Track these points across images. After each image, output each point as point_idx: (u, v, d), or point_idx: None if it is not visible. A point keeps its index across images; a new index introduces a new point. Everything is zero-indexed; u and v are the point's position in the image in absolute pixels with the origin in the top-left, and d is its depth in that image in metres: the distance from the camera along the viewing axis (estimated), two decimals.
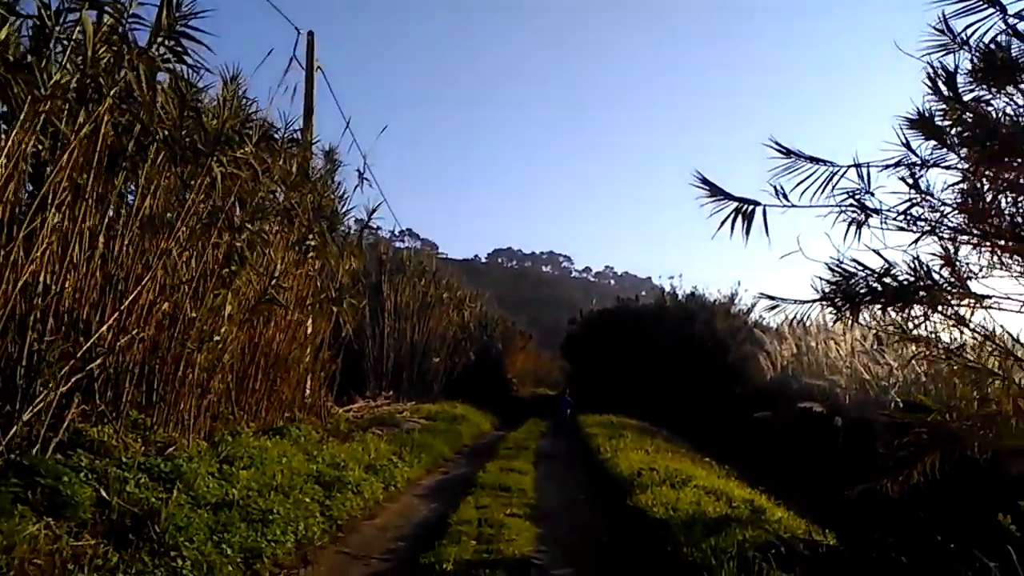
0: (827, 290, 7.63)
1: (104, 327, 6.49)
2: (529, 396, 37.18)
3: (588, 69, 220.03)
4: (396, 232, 28.66)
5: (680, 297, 32.93)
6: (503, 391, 34.09)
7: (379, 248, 29.99)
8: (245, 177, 8.16)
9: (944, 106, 6.40)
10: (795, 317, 8.02)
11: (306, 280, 11.73)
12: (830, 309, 7.56)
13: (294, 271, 11.12)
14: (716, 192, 6.88)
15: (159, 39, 6.50)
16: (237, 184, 8.11)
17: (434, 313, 27.12)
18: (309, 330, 12.34)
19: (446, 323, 27.81)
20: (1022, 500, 8.12)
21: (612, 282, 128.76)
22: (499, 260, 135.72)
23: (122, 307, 6.74)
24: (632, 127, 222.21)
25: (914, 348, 8.65)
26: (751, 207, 6.78)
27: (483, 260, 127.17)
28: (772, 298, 8.07)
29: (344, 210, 12.26)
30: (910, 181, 6.24)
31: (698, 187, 6.93)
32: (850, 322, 18.88)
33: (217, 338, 8.31)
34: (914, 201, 6.24)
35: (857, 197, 6.43)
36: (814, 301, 7.68)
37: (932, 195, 6.24)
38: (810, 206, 6.59)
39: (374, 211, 13.40)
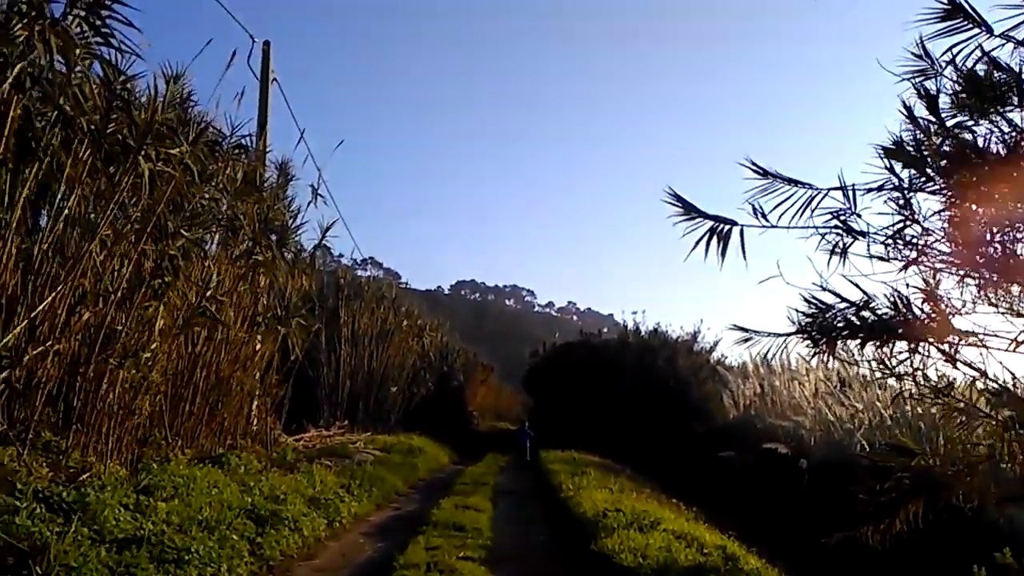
0: (803, 323, 7.22)
1: (9, 336, 5.74)
2: (489, 430, 36.38)
3: (556, 89, 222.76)
4: (358, 260, 27.96)
5: (643, 333, 32.61)
6: (463, 424, 33.25)
7: (337, 273, 29.24)
8: (180, 179, 7.48)
9: (920, 135, 6.06)
10: (768, 351, 7.59)
11: (252, 297, 10.99)
12: (806, 343, 7.13)
13: (238, 286, 10.40)
14: (689, 210, 6.41)
15: (75, 11, 5.84)
16: (171, 186, 7.42)
17: (393, 341, 26.33)
18: (256, 351, 11.57)
19: (405, 352, 27.01)
20: (999, 552, 7.71)
21: (575, 318, 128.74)
22: (462, 292, 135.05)
23: (33, 315, 6.00)
24: (601, 162, 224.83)
25: (898, 386, 8.24)
26: (727, 227, 6.32)
27: (446, 291, 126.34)
28: (745, 330, 7.62)
29: (295, 225, 11.55)
30: (900, 202, 5.87)
31: (671, 204, 6.47)
32: (815, 361, 18.47)
33: (146, 354, 7.55)
34: (905, 223, 5.85)
35: (842, 218, 6.02)
36: (789, 334, 7.24)
37: (923, 218, 5.87)
38: (791, 227, 6.16)
39: (328, 228, 12.72)
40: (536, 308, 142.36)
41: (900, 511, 6.93)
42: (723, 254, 6.22)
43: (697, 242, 6.25)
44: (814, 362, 19.42)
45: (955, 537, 9.22)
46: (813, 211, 6.21)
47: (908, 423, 14.76)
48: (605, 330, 40.59)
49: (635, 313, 41.49)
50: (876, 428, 15.13)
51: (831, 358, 7.41)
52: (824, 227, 5.87)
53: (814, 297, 7.48)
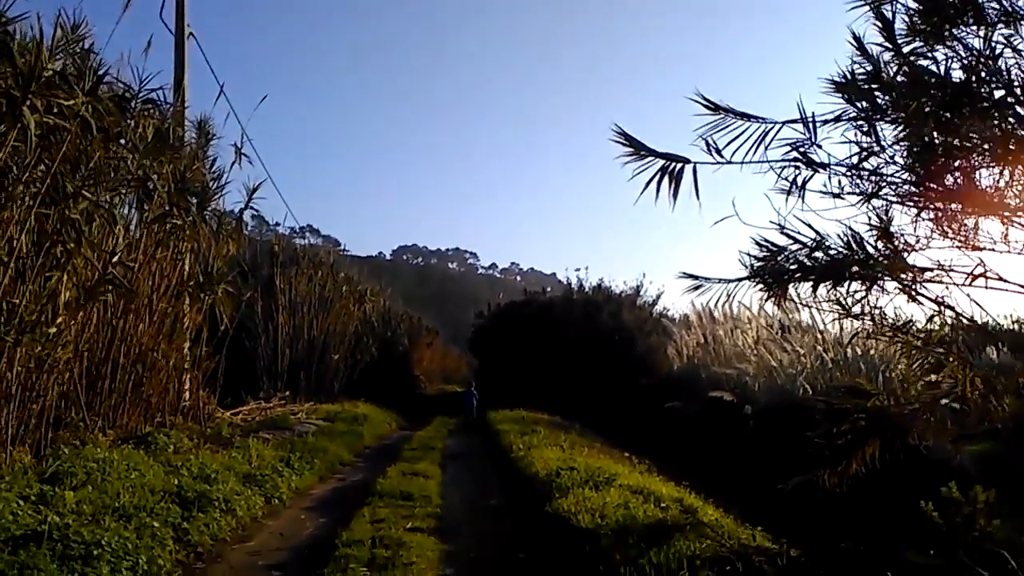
0: (755, 267, 6.93)
1: None
2: (437, 393, 36.06)
3: (492, 53, 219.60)
4: (296, 229, 26.88)
5: (587, 289, 32.57)
6: (409, 389, 32.81)
7: (272, 240, 28.14)
8: (76, 133, 6.68)
9: (870, 68, 5.76)
10: (719, 298, 7.31)
11: (173, 265, 10.21)
12: (758, 287, 6.86)
13: (156, 253, 9.61)
14: (638, 149, 5.98)
15: None
16: (66, 141, 6.63)
17: (333, 308, 25.54)
18: (181, 322, 10.81)
19: (346, 319, 26.26)
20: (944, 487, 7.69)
21: (519, 278, 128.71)
22: (404, 257, 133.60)
23: None
24: (539, 115, 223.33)
25: (852, 326, 8.06)
26: (679, 165, 5.92)
27: (388, 257, 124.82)
28: (695, 277, 7.30)
29: (217, 186, 10.73)
30: (864, 128, 5.56)
31: (619, 143, 6.04)
32: (756, 308, 18.38)
33: (50, 329, 6.82)
34: (869, 150, 5.55)
35: (802, 149, 5.68)
36: (741, 279, 6.94)
37: (887, 144, 5.58)
38: (747, 162, 5.80)
39: (255, 190, 11.91)
40: (479, 270, 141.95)
41: (856, 453, 6.80)
42: (675, 194, 5.83)
43: (648, 183, 5.84)
44: (755, 309, 19.71)
45: (906, 477, 9.28)
46: (768, 146, 5.85)
47: (848, 366, 14.98)
48: (549, 289, 40.47)
49: (578, 270, 41.57)
50: (818, 372, 15.31)
51: (783, 301, 7.17)
52: (783, 160, 5.52)
53: (766, 240, 7.19)
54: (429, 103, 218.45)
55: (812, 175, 5.54)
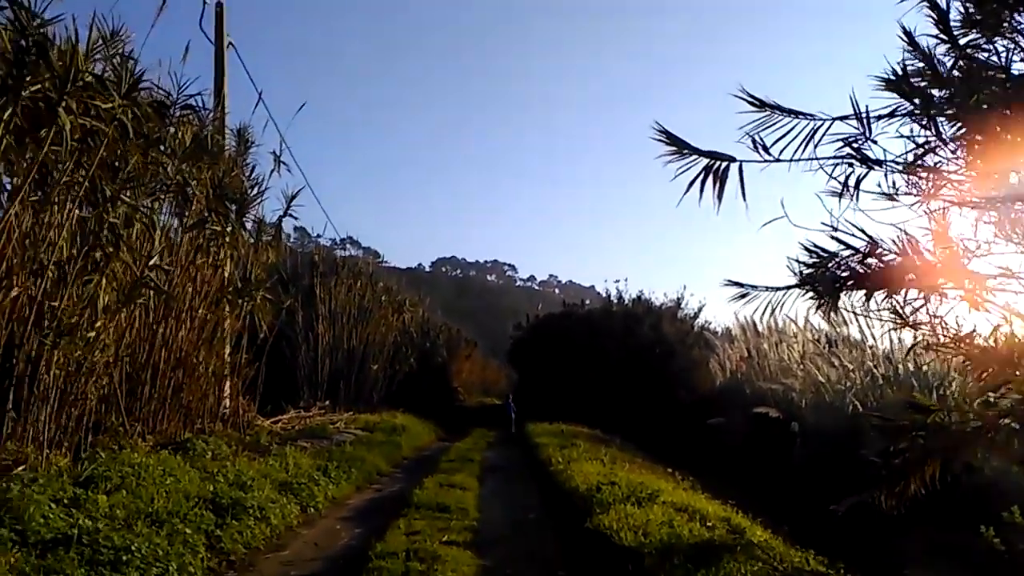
0: (805, 274, 6.64)
1: None
2: (476, 405, 35.94)
3: (535, 67, 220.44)
4: (337, 240, 27.01)
5: (627, 301, 32.16)
6: (448, 400, 32.73)
7: (313, 251, 28.37)
8: (112, 137, 6.69)
9: (923, 64, 5.46)
10: (766, 307, 7.02)
11: (212, 271, 10.23)
12: (808, 296, 6.57)
13: (195, 260, 9.64)
14: (681, 147, 5.75)
15: None
16: (103, 145, 6.64)
17: (372, 318, 25.60)
18: (220, 328, 10.84)
19: (385, 329, 26.30)
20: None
21: (557, 291, 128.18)
22: (443, 269, 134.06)
23: None
24: (579, 127, 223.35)
25: (912, 336, 7.68)
26: (724, 164, 5.69)
27: (427, 269, 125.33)
28: (740, 285, 7.03)
29: (255, 193, 10.74)
30: (924, 121, 5.25)
31: (660, 142, 5.83)
32: (802, 322, 17.79)
33: (89, 333, 6.83)
34: (927, 146, 5.24)
35: (855, 145, 5.39)
36: (789, 287, 6.67)
37: (948, 139, 5.26)
38: (797, 160, 5.54)
39: (294, 197, 11.92)
40: (518, 283, 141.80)
41: (916, 473, 6.43)
42: (719, 195, 5.60)
43: (691, 183, 5.62)
44: (801, 321, 19.16)
45: (964, 499, 8.82)
46: (817, 144, 5.60)
47: (900, 381, 14.41)
48: (587, 301, 40.15)
49: (618, 282, 40.91)
50: (868, 388, 14.75)
51: (834, 311, 6.87)
52: (835, 158, 5.24)
53: (816, 246, 6.90)
54: (469, 115, 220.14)
55: (866, 173, 5.26)
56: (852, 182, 5.44)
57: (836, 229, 5.45)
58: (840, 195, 5.71)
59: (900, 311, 6.14)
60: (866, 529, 9.09)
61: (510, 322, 42.26)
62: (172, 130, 9.02)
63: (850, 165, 5.23)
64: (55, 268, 6.72)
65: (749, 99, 5.63)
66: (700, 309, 31.35)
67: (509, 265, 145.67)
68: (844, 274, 6.78)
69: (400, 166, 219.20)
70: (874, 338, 15.68)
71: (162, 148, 8.59)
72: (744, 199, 5.52)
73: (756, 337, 21.74)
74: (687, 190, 5.63)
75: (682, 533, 5.69)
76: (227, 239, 10.32)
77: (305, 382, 23.18)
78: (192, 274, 9.87)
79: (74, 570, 3.97)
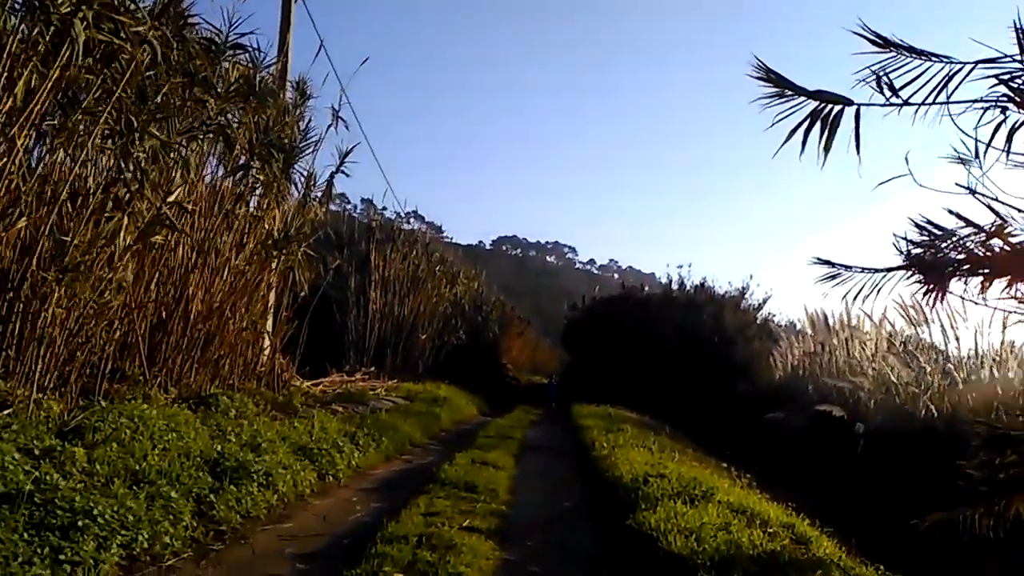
0: (913, 254, 5.67)
1: None
2: (524, 383, 35.44)
3: (608, 53, 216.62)
4: (402, 214, 26.55)
5: (688, 288, 31.06)
6: (496, 376, 32.26)
7: (371, 216, 28.02)
8: (140, 59, 6.09)
9: None
10: (861, 291, 6.10)
11: (254, 222, 9.68)
12: (913, 279, 5.60)
13: (235, 208, 9.09)
14: (784, 86, 4.81)
15: None
16: (130, 68, 6.04)
17: (425, 288, 25.10)
18: (257, 281, 10.31)
19: (436, 299, 25.79)
20: None
21: (616, 275, 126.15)
22: (504, 247, 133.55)
23: None
24: (648, 113, 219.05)
25: None
26: (836, 108, 4.75)
27: (488, 247, 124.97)
28: (832, 264, 6.12)
29: (305, 143, 10.11)
30: None
31: (759, 80, 4.90)
32: (883, 317, 16.43)
33: (105, 273, 6.29)
34: None
35: (1016, 81, 4.33)
36: (891, 269, 5.71)
37: None
38: (932, 103, 4.54)
39: (348, 153, 11.30)
40: (577, 265, 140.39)
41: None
42: (827, 146, 4.65)
43: (793, 131, 4.69)
44: (877, 318, 17.84)
45: None
46: (951, 93, 4.58)
47: (982, 387, 13.16)
48: (646, 288, 39.06)
49: (680, 267, 39.69)
50: (944, 392, 13.53)
51: (943, 298, 5.85)
52: (983, 100, 4.21)
53: (929, 222, 5.88)
54: (539, 94, 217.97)
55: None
56: (1002, 136, 4.39)
57: (974, 193, 4.46)
58: (989, 142, 4.65)
59: None
60: (940, 547, 8.10)
61: (566, 303, 41.43)
62: (219, 68, 8.44)
63: (1003, 110, 4.19)
64: (70, 201, 6.21)
65: (871, 37, 4.64)
66: (765, 300, 30.17)
67: (569, 247, 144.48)
68: (960, 256, 5.77)
69: (468, 142, 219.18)
70: (957, 340, 14.46)
71: (200, 80, 8.00)
72: (858, 150, 4.57)
73: (826, 331, 20.52)
74: (787, 139, 4.71)
75: (741, 541, 4.84)
76: (273, 190, 9.74)
77: (352, 347, 22.90)
78: (231, 223, 9.33)
79: (10, 536, 3.35)
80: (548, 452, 12.30)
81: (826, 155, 4.75)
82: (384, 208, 27.24)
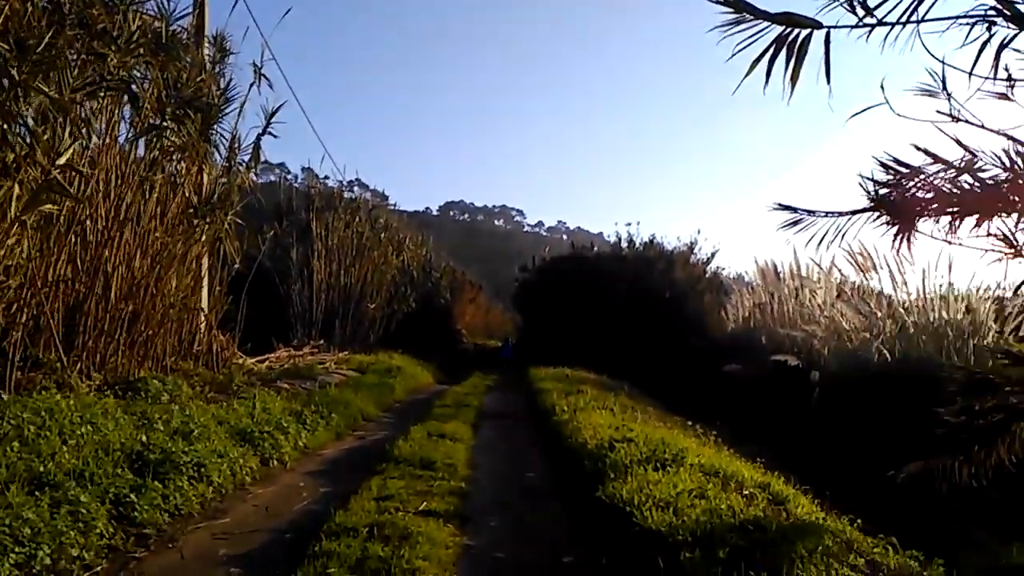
0: (880, 194, 5.34)
1: None
2: (479, 349, 35.08)
3: (544, 14, 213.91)
4: (344, 183, 25.49)
5: (637, 245, 30.90)
6: (450, 343, 31.81)
7: (309, 185, 26.99)
8: (16, 4, 5.27)
9: None
10: (825, 236, 5.78)
11: (171, 190, 8.88)
12: (880, 221, 5.29)
13: (151, 174, 8.29)
14: (746, 10, 4.35)
15: None
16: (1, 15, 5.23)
17: (370, 256, 24.33)
18: (180, 254, 9.53)
19: (383, 267, 25.05)
20: None
21: (565, 237, 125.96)
22: (451, 213, 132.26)
23: None
24: (588, 74, 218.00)
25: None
26: (804, 32, 4.30)
27: (435, 213, 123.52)
28: (794, 210, 5.77)
29: (225, 104, 9.27)
30: None
31: (717, 3, 4.42)
32: (831, 265, 16.38)
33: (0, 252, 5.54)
34: None
35: None
36: (857, 211, 5.39)
37: None
38: (909, 21, 4.13)
39: (274, 113, 10.47)
40: (526, 228, 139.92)
41: (1005, 439, 5.25)
42: (795, 75, 4.20)
43: (757, 59, 4.22)
44: (826, 266, 17.87)
45: None
46: (928, 10, 4.18)
47: (935, 330, 13.26)
48: (596, 248, 38.89)
49: (629, 225, 39.53)
50: (896, 338, 13.61)
51: (911, 238, 5.54)
52: (967, 16, 3.80)
53: (896, 160, 5.53)
54: (477, 56, 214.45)
55: (1014, 36, 3.82)
56: (986, 59, 4.00)
57: (956, 120, 4.09)
58: (975, 59, 4.25)
59: (1011, 237, 4.82)
60: (911, 495, 7.97)
61: (517, 266, 41.07)
62: (120, 19, 7.57)
63: (990, 26, 3.78)
64: None
65: None
66: (713, 254, 30.31)
67: (517, 210, 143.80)
68: (928, 195, 5.44)
69: (409, 109, 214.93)
70: (905, 285, 14.56)
71: (105, 39, 7.14)
72: (828, 78, 4.12)
73: (776, 282, 20.58)
74: (750, 69, 4.22)
75: (720, 508, 4.47)
76: (190, 153, 8.93)
77: (298, 320, 22.14)
78: (147, 190, 8.53)
79: None
80: (507, 419, 11.91)
81: (793, 86, 4.30)
82: (327, 177, 26.28)
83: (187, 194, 9.18)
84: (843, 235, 5.88)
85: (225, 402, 8.34)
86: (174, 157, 8.77)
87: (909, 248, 5.68)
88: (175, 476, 5.06)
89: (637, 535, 4.06)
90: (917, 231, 5.58)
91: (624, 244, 31.19)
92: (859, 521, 5.67)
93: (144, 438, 5.53)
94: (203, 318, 11.08)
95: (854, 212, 5.72)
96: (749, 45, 4.25)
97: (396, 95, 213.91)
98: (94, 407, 5.75)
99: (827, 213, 5.99)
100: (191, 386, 9.02)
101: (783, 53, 4.22)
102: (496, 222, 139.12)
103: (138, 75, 7.65)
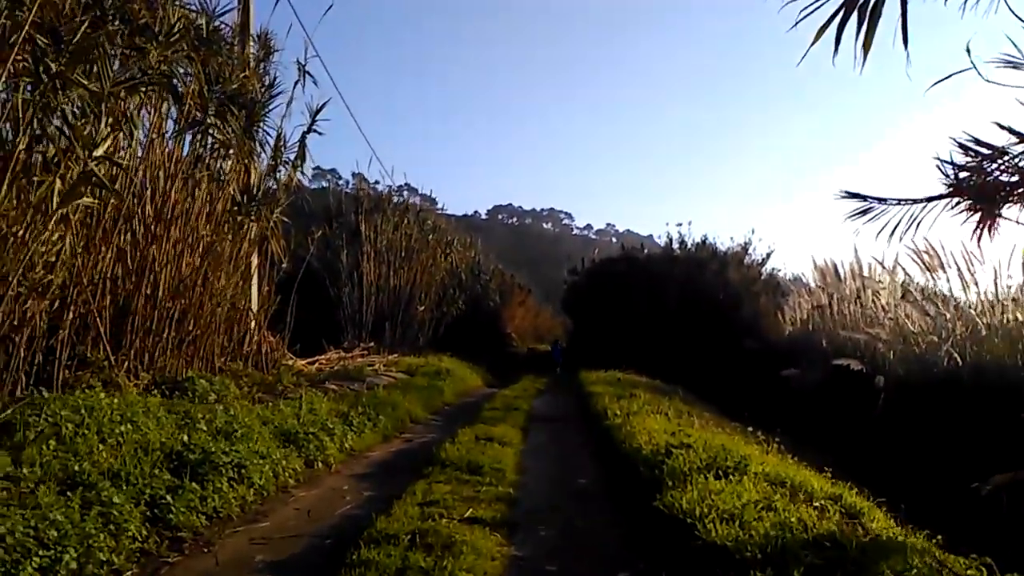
0: (959, 178, 4.95)
1: None
2: (528, 352, 34.82)
3: (594, 21, 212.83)
4: (395, 187, 25.53)
5: (689, 246, 30.23)
6: (499, 346, 31.63)
7: (358, 188, 27.10)
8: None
9: None
10: (897, 226, 5.40)
11: (216, 187, 8.82)
12: (961, 207, 4.88)
13: (194, 171, 8.23)
14: None
15: None
16: (35, 2, 5.15)
17: (419, 258, 24.29)
18: (230, 254, 9.48)
19: (432, 269, 24.98)
20: None
21: (614, 239, 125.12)
22: (499, 217, 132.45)
23: None
24: (637, 79, 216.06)
25: None
26: None
27: (483, 216, 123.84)
28: (864, 198, 5.40)
29: (270, 101, 9.21)
30: None
31: None
32: (895, 264, 15.58)
33: (38, 247, 5.48)
34: None
35: None
36: (933, 199, 4.98)
37: None
38: None
39: (319, 109, 10.41)
40: (575, 231, 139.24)
41: None
42: (867, 43, 3.82)
43: (824, 25, 3.87)
44: (891, 266, 17.07)
45: None
46: None
47: (1010, 333, 12.48)
48: (645, 251, 38.27)
49: (680, 225, 38.73)
50: (968, 339, 12.83)
51: (994, 226, 5.12)
52: None
53: (976, 141, 5.12)
54: (526, 58, 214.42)
55: None
56: None
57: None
58: None
59: None
60: (995, 509, 7.40)
61: (566, 269, 40.71)
62: (162, 15, 7.53)
63: None
64: None
65: None
66: (769, 254, 29.46)
67: (566, 213, 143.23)
68: (1013, 178, 5.02)
69: (457, 114, 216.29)
70: (976, 285, 13.77)
71: (146, 34, 7.10)
72: (906, 44, 3.74)
73: (837, 282, 19.79)
74: (817, 37, 3.89)
75: (790, 521, 4.09)
76: (236, 151, 8.87)
77: (349, 322, 22.19)
78: (193, 188, 8.49)
79: None
80: (557, 423, 11.60)
81: (866, 54, 3.92)
82: (376, 182, 26.30)
83: (233, 192, 9.11)
84: (917, 224, 5.45)
85: (271, 403, 8.24)
86: (219, 154, 8.70)
87: (991, 236, 5.22)
88: (214, 477, 4.90)
89: (700, 550, 3.72)
90: (1001, 217, 5.12)
91: (675, 245, 30.59)
92: (938, 537, 5.21)
93: (185, 438, 5.40)
94: (252, 318, 11.05)
95: (930, 199, 5.28)
96: (816, 9, 3.91)
97: (444, 99, 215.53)
98: (135, 406, 5.64)
99: (900, 201, 5.55)
100: (239, 387, 8.95)
101: (853, 17, 3.86)
102: (544, 225, 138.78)
103: (180, 71, 7.58)
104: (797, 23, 3.86)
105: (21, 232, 5.44)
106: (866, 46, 3.86)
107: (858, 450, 11.64)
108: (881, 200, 5.72)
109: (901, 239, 5.85)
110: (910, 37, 3.71)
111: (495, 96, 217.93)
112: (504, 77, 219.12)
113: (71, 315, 6.58)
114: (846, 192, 5.94)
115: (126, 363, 7.74)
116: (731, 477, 5.14)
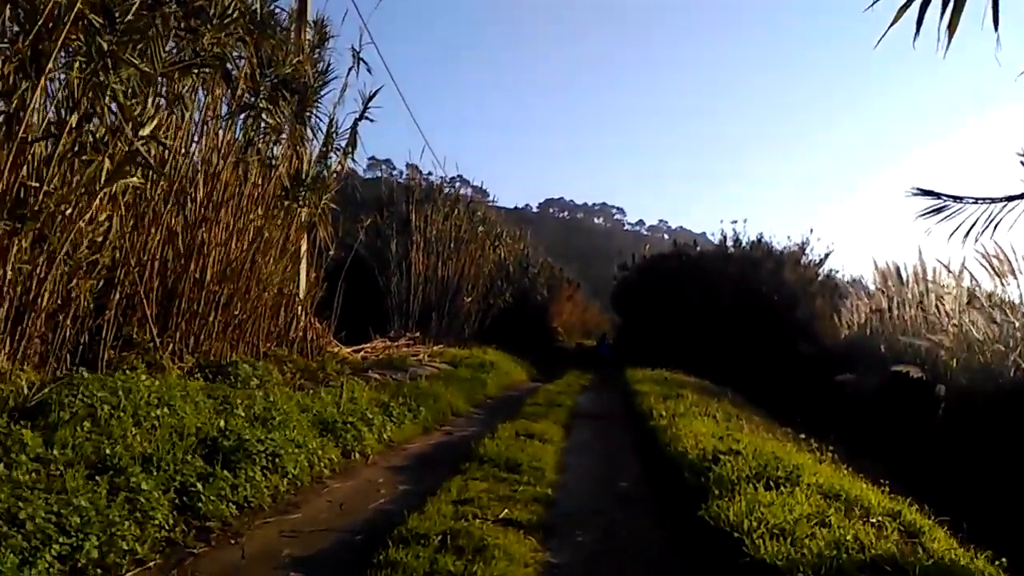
0: None
1: None
2: (575, 348, 34.55)
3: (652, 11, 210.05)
4: (447, 179, 25.48)
5: (744, 244, 29.47)
6: (546, 340, 31.42)
7: (409, 177, 27.14)
8: None
9: None
10: (973, 226, 5.04)
11: (268, 172, 8.82)
12: None
13: (247, 155, 8.23)
14: None
15: None
16: None
17: (468, 249, 24.22)
18: (289, 240, 9.48)
19: (480, 260, 24.89)
20: None
21: (666, 236, 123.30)
22: (551, 210, 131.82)
23: None
24: (690, 78, 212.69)
25: None
26: None
27: (534, 210, 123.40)
28: (938, 195, 5.05)
29: (323, 87, 9.16)
30: None
31: None
32: (962, 267, 14.84)
33: (85, 225, 5.49)
34: None
35: None
36: (1015, 197, 4.63)
37: None
38: None
39: (372, 96, 10.33)
40: (626, 226, 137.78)
41: None
42: (953, 22, 3.49)
43: (906, 4, 3.55)
44: (956, 269, 16.31)
45: None
46: None
47: None
48: (698, 248, 37.53)
49: (735, 223, 37.77)
50: None
51: None
52: None
53: None
54: (583, 58, 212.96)
55: None
56: None
57: None
58: None
59: None
60: None
61: (616, 264, 40.21)
62: None
63: None
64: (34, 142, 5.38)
65: None
66: (827, 255, 28.48)
67: (618, 208, 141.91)
68: None
69: (512, 105, 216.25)
70: None
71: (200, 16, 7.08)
72: (996, 24, 3.41)
73: (899, 285, 19.01)
74: (897, 16, 3.57)
75: (845, 539, 3.81)
76: (287, 135, 8.85)
77: (396, 311, 22.25)
78: (242, 172, 8.49)
79: None
80: (601, 421, 11.35)
81: (951, 35, 3.58)
82: (430, 173, 26.29)
83: (283, 177, 9.11)
84: (996, 226, 5.06)
85: (312, 390, 8.20)
86: (270, 139, 8.69)
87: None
88: (247, 465, 4.83)
89: (747, 567, 3.47)
90: None
91: (730, 243, 29.86)
92: (1003, 559, 4.83)
93: (222, 423, 5.35)
94: (299, 304, 11.08)
95: (1011, 198, 4.91)
96: None
97: (499, 91, 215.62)
98: (174, 389, 5.61)
99: (977, 200, 5.17)
100: (282, 372, 8.96)
101: None
102: (596, 220, 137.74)
103: (234, 54, 7.56)
104: (875, 2, 3.56)
105: (68, 211, 5.45)
106: (951, 27, 3.53)
107: (915, 461, 11.16)
108: (956, 198, 5.34)
109: (977, 240, 5.47)
110: (1000, 19, 3.38)
111: (551, 89, 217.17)
112: (562, 69, 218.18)
113: (118, 295, 6.62)
114: (918, 189, 5.56)
115: (171, 345, 7.78)
116: (782, 488, 4.86)
